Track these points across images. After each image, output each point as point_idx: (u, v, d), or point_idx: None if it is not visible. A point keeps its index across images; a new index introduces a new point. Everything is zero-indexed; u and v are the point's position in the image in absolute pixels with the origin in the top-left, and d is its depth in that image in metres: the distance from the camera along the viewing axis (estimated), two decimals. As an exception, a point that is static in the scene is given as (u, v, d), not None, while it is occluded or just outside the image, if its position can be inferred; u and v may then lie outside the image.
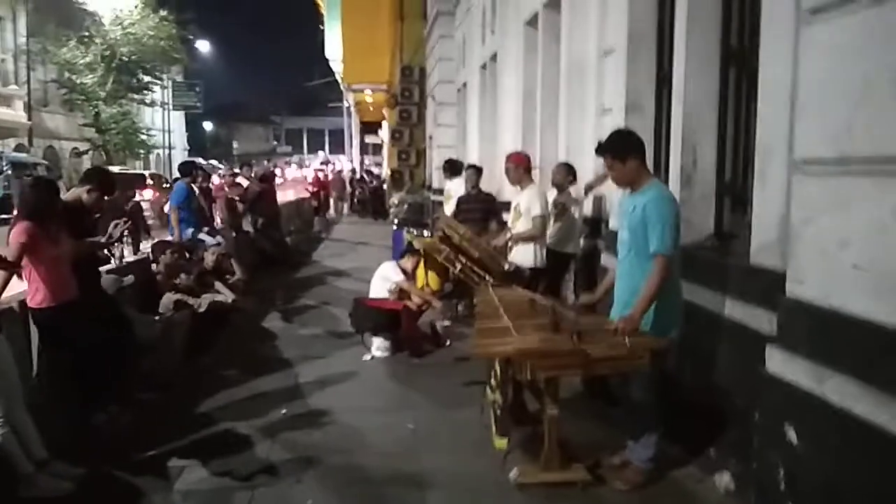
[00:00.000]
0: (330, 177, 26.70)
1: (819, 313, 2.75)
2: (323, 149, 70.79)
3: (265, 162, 46.93)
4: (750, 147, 4.03)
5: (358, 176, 28.26)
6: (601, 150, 3.77)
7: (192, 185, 8.61)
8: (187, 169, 9.15)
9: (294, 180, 29.54)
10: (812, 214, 2.82)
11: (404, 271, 6.69)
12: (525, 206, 6.16)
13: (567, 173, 6.47)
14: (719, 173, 4.62)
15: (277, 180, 31.44)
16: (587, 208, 6.72)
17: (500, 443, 4.17)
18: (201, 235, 8.13)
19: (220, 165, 34.58)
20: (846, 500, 2.59)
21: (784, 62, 3.27)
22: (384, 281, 6.58)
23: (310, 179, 26.05)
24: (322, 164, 43.62)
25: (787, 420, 2.89)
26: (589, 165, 6.35)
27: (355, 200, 24.64)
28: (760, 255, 3.57)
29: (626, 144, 3.70)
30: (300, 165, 48.24)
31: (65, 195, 5.00)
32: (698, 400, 4.17)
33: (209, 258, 7.27)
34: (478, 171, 8.34)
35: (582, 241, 6.62)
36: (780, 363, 2.98)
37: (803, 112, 2.91)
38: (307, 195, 21.40)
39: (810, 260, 2.84)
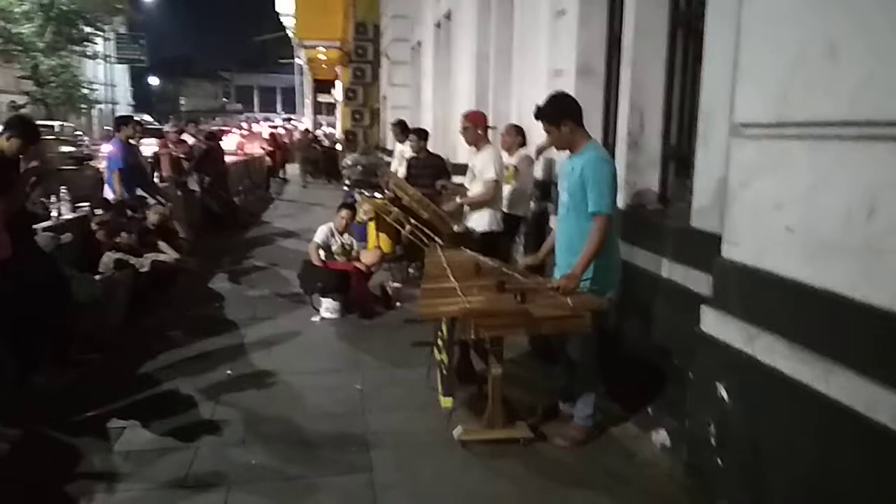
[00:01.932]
0: (294, 135, 25.51)
1: (752, 274, 2.83)
2: (274, 107, 69.29)
3: (213, 119, 45.78)
4: (695, 112, 4.08)
5: (311, 136, 27.60)
6: (538, 114, 3.85)
7: (130, 142, 8.25)
8: (124, 123, 8.63)
9: (258, 134, 29.51)
10: (748, 177, 2.88)
11: (336, 230, 6.61)
12: (479, 168, 6.08)
13: (516, 135, 6.45)
14: (665, 137, 4.67)
15: (244, 131, 30.66)
16: (538, 171, 6.74)
17: (446, 402, 4.21)
18: (140, 193, 7.84)
19: (153, 121, 33.34)
20: (771, 455, 2.70)
21: (728, 27, 3.29)
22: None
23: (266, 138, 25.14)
24: (284, 120, 42.79)
25: (719, 378, 2.99)
26: (540, 128, 6.33)
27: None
28: (700, 218, 3.65)
29: (561, 108, 3.77)
30: (262, 121, 47.95)
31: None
32: (639, 359, 4.28)
33: (152, 216, 7.08)
34: (421, 135, 8.25)
35: (532, 204, 6.65)
36: (713, 323, 3.07)
37: (743, 76, 2.95)
38: (260, 154, 20.91)
39: (745, 222, 2.91)
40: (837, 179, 2.40)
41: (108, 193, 7.57)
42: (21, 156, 4.53)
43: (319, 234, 6.54)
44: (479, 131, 6.14)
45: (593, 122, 5.56)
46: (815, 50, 2.46)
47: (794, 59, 2.57)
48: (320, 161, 22.40)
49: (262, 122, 45.47)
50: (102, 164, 8.72)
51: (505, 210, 6.33)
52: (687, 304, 3.51)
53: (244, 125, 40.74)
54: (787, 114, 2.62)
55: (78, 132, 26.70)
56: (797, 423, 2.56)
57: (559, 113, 3.73)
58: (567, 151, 3.85)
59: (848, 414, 2.28)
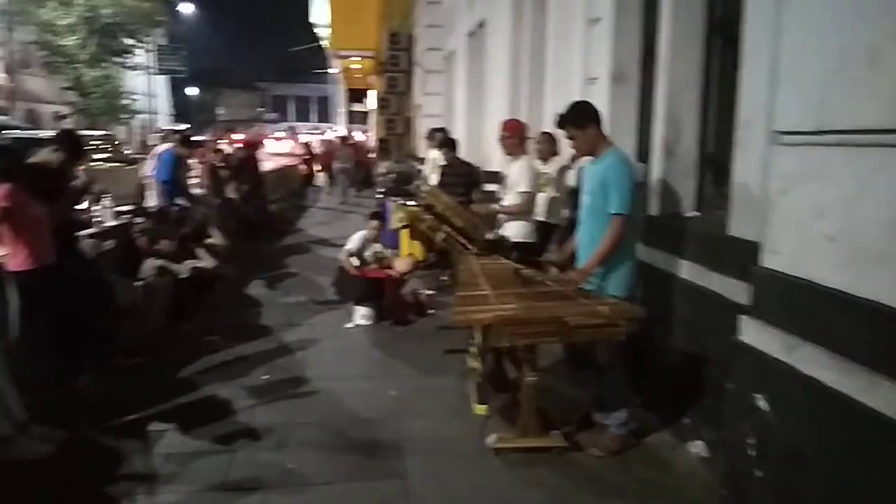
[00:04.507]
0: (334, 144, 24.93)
1: (792, 283, 2.79)
2: (308, 116, 70.08)
3: (253, 127, 46.57)
4: (732, 119, 4.04)
5: (354, 144, 27.45)
6: (561, 121, 3.93)
7: (181, 154, 8.51)
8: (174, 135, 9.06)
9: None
10: (789, 186, 2.84)
11: (369, 240, 6.67)
12: (513, 179, 6.06)
13: (549, 143, 6.43)
14: (702, 144, 4.63)
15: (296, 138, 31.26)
16: (572, 179, 6.71)
17: (480, 409, 4.23)
18: (180, 201, 8.06)
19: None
20: (812, 468, 2.65)
21: (766, 34, 3.26)
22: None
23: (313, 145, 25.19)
24: (332, 130, 43.48)
25: (758, 389, 2.94)
26: (573, 136, 6.31)
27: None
28: (738, 226, 3.61)
29: (584, 114, 3.88)
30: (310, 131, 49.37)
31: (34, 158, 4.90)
32: (676, 369, 4.23)
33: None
34: (451, 143, 8.31)
35: (566, 212, 6.61)
36: (752, 332, 3.02)
37: (782, 84, 2.91)
38: (295, 162, 21.12)
39: (786, 231, 2.87)
40: (879, 187, 2.36)
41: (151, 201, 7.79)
42: (69, 168, 4.67)
43: (354, 242, 6.62)
44: (517, 141, 6.10)
45: (627, 129, 5.53)
46: (857, 56, 2.42)
47: (834, 66, 2.54)
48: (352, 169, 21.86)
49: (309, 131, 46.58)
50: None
51: (539, 218, 6.32)
52: (724, 313, 3.47)
53: (299, 134, 42.22)
54: (828, 121, 2.59)
55: (118, 141, 27.32)
56: (840, 435, 2.51)
57: (584, 117, 3.85)
58: (589, 157, 3.95)
59: (893, 427, 2.23)
